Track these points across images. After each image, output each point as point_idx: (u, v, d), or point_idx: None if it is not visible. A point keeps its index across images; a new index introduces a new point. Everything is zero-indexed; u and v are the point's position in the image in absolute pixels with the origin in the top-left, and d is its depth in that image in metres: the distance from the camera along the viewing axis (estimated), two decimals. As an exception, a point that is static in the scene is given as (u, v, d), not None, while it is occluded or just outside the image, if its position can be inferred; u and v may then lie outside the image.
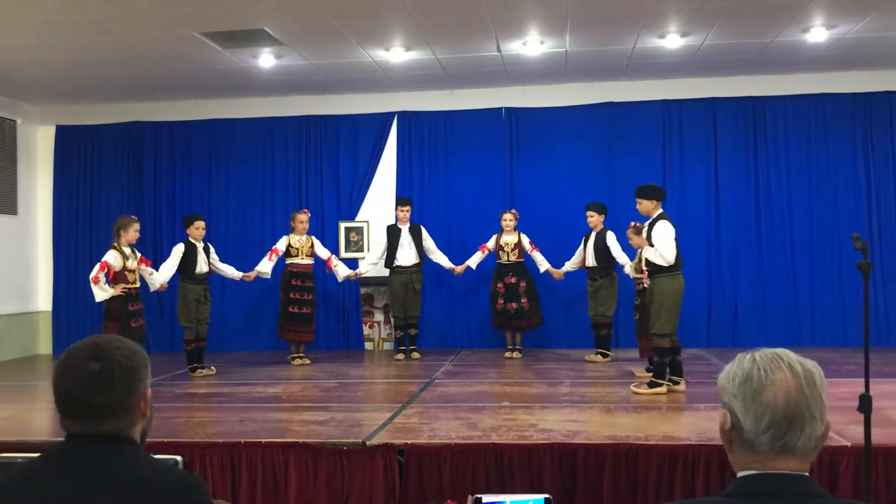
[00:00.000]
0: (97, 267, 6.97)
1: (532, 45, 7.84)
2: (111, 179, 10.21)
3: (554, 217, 9.40)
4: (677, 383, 6.39)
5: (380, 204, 9.86)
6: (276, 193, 10.00)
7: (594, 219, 8.30)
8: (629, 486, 4.46)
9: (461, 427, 5.09)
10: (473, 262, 8.98)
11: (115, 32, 7.14)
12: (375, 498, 4.53)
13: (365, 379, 7.87)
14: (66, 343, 8.98)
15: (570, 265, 8.68)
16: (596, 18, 7.11)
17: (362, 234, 9.94)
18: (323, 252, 8.77)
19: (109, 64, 8.21)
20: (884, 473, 4.33)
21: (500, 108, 9.76)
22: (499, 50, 8.03)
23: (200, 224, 8.01)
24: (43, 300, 10.35)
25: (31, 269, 10.26)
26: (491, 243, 8.86)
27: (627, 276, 7.81)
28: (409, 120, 9.92)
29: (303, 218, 8.61)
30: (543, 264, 8.75)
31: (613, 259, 8.15)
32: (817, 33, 7.58)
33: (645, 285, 6.74)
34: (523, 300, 8.62)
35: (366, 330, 9.97)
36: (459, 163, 9.79)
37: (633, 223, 7.39)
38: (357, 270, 9.02)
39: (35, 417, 6.22)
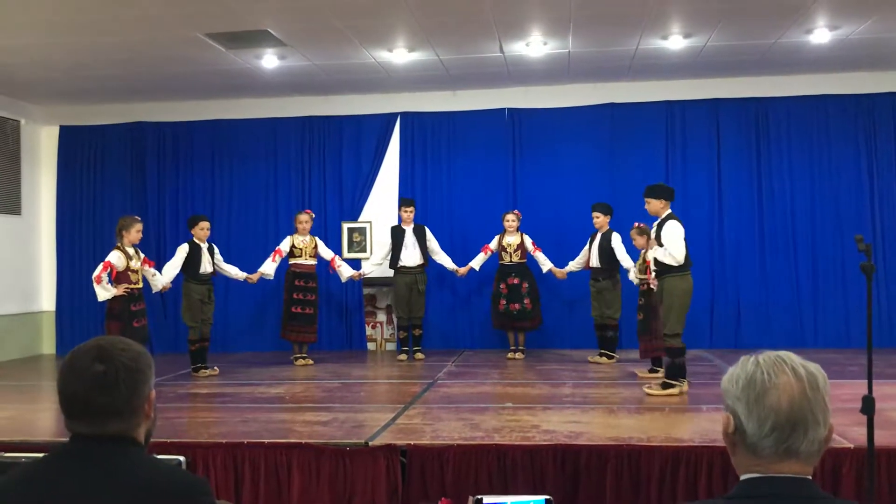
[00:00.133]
0: (100, 267, 6.99)
1: (535, 46, 7.84)
2: (114, 180, 10.23)
3: (556, 218, 9.40)
4: (680, 384, 6.38)
5: (383, 204, 9.87)
6: (279, 194, 10.01)
7: (600, 219, 8.28)
8: (631, 487, 4.45)
9: (464, 428, 5.09)
10: (476, 263, 8.98)
11: (115, 33, 7.14)
12: (378, 498, 4.53)
13: (368, 379, 7.87)
14: (70, 343, 9.14)
15: (574, 265, 8.66)
16: (599, 19, 7.10)
17: (365, 235, 9.95)
18: (327, 253, 8.78)
19: (110, 64, 8.22)
20: (886, 475, 4.32)
21: (503, 109, 9.76)
22: (501, 51, 8.03)
23: (205, 225, 8.03)
24: (46, 300, 10.37)
25: (34, 269, 10.28)
26: (493, 244, 8.85)
27: (631, 281, 7.79)
28: (411, 121, 9.92)
29: (306, 218, 8.62)
30: (546, 264, 8.74)
31: (617, 261, 8.15)
32: (820, 35, 7.57)
33: (651, 286, 6.72)
34: (526, 301, 8.61)
35: (368, 330, 9.97)
36: (462, 163, 9.80)
37: (636, 224, 7.38)
38: (361, 271, 9.03)
39: (38, 417, 6.24)
